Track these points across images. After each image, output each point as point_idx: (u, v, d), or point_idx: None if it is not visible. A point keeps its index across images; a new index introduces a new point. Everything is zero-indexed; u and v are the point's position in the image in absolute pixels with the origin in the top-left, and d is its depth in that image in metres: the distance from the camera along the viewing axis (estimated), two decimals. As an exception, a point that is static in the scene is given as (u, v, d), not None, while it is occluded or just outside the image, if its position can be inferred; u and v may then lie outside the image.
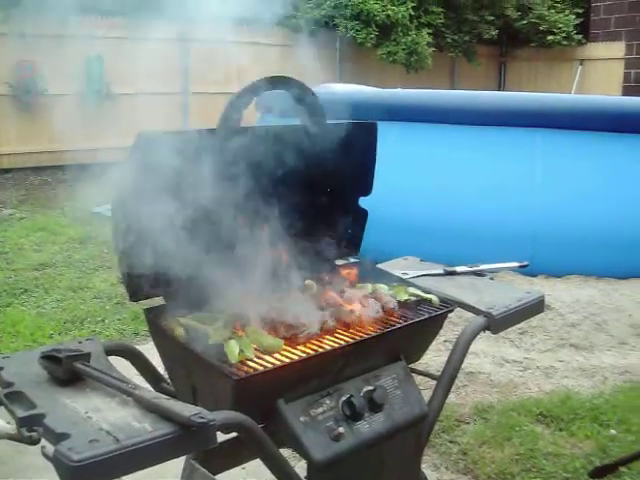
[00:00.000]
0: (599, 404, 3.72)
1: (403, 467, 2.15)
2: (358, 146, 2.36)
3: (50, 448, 1.37)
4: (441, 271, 2.68)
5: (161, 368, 2.14)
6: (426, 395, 2.20)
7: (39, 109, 10.62)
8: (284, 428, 1.81)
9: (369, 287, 2.31)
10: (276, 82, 2.12)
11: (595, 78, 16.36)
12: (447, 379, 2.24)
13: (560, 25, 16.68)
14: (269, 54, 10.94)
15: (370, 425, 1.93)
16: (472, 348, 2.33)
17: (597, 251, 5.89)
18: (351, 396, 1.92)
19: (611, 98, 8.42)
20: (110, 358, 1.87)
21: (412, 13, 14.43)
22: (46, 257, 6.45)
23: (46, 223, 7.75)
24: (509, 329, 2.90)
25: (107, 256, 6.53)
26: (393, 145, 6.00)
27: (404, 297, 2.24)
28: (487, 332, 2.34)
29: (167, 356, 2.02)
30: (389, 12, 13.91)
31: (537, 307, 2.53)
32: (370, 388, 1.98)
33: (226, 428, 1.61)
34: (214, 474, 1.82)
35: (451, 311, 2.26)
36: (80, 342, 1.92)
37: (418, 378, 2.37)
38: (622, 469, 3.00)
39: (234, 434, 1.73)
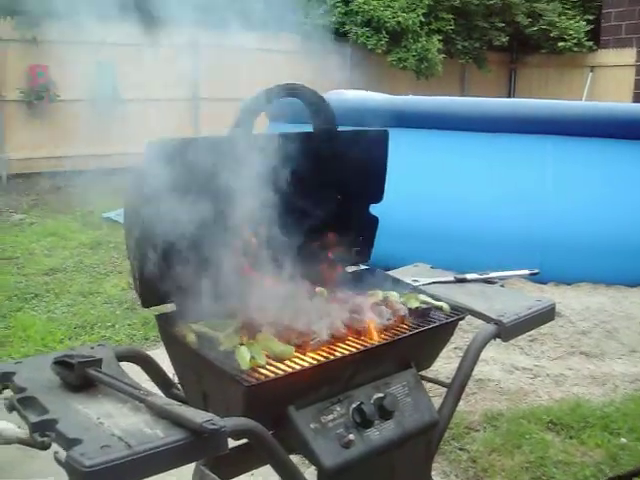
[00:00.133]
0: (610, 412, 3.70)
1: (413, 474, 2.15)
2: (369, 153, 2.36)
3: (62, 453, 1.37)
4: (452, 278, 2.68)
5: (171, 373, 2.15)
6: (436, 402, 2.20)
7: (50, 115, 10.68)
8: (294, 435, 1.81)
9: (380, 294, 2.31)
10: (287, 89, 2.13)
11: (606, 85, 16.33)
12: (457, 386, 2.24)
13: (571, 32, 16.66)
14: (280, 60, 10.96)
15: (380, 432, 1.93)
16: (482, 355, 2.32)
17: (607, 258, 5.87)
18: (361, 403, 1.92)
19: (622, 105, 8.41)
20: (121, 363, 1.88)
21: (422, 20, 14.46)
22: (57, 262, 6.47)
23: (57, 228, 7.78)
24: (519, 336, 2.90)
25: (117, 261, 6.55)
26: (404, 152, 6.00)
27: (415, 304, 2.23)
28: (497, 340, 2.34)
29: (178, 362, 2.03)
30: (400, 19, 13.93)
31: (548, 315, 2.52)
32: (380, 395, 1.98)
33: (237, 434, 1.61)
34: (224, 480, 1.83)
35: (462, 319, 2.25)
36: (92, 348, 1.93)
37: (428, 385, 2.37)
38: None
39: (244, 440, 1.73)
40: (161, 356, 2.17)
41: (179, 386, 2.13)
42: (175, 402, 1.56)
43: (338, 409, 1.89)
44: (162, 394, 2.07)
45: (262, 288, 2.04)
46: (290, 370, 1.81)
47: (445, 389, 2.28)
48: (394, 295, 2.30)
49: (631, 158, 6.16)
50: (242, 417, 1.62)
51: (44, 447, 1.48)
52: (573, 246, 5.87)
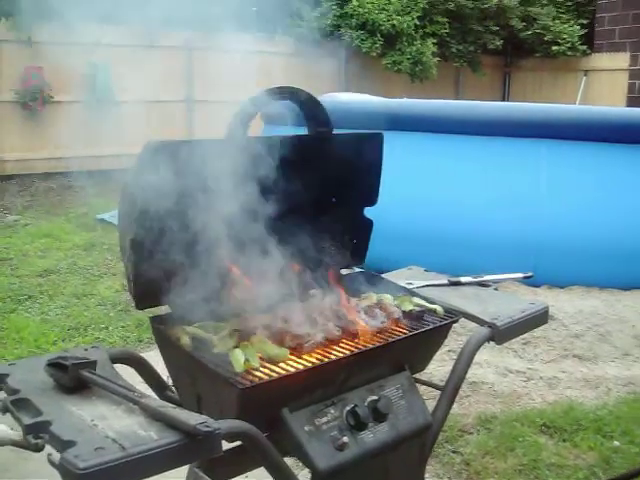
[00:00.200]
0: (603, 415, 3.71)
1: (407, 477, 2.16)
2: (364, 156, 2.37)
3: (56, 455, 1.37)
4: (445, 281, 2.68)
5: (165, 376, 2.15)
6: (430, 405, 2.20)
7: (45, 116, 10.66)
8: (288, 437, 1.81)
9: (374, 297, 2.31)
10: (282, 92, 2.13)
11: (599, 89, 16.37)
12: (451, 389, 2.25)
13: (565, 36, 16.70)
14: (274, 63, 10.97)
15: (374, 435, 1.93)
16: (475, 358, 2.33)
17: (600, 262, 5.89)
18: (355, 406, 1.92)
19: (616, 109, 8.43)
20: (115, 366, 1.87)
21: (417, 23, 14.47)
22: (50, 263, 6.46)
23: (51, 229, 7.77)
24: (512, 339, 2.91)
25: (111, 263, 6.55)
26: (399, 155, 6.01)
27: (409, 307, 2.24)
28: (491, 343, 2.34)
29: (172, 364, 2.03)
30: (394, 22, 13.95)
31: (541, 318, 2.53)
32: (374, 398, 1.98)
33: (231, 437, 1.61)
34: (218, 483, 1.83)
35: (455, 321, 2.26)
36: (86, 350, 1.92)
37: (422, 388, 2.37)
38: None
39: (237, 442, 1.73)
40: (155, 358, 2.17)
41: (173, 388, 2.13)
42: (169, 404, 1.56)
43: (332, 412, 1.89)
44: (156, 396, 2.07)
45: (256, 291, 2.04)
46: (284, 373, 1.81)
47: (439, 392, 2.28)
48: (388, 298, 2.30)
49: (625, 162, 6.18)
50: (236, 419, 1.62)
51: (38, 449, 1.48)
52: (567, 249, 5.89)
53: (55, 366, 1.68)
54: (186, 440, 1.42)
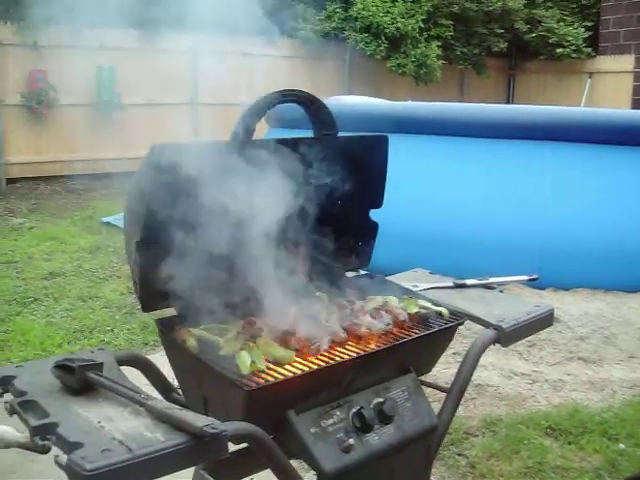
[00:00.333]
0: (608, 418, 3.71)
1: (412, 479, 2.16)
2: (369, 159, 2.37)
3: (63, 457, 1.38)
4: (451, 284, 2.68)
5: (171, 378, 2.15)
6: (435, 407, 2.20)
7: (50, 119, 10.69)
8: (294, 439, 1.81)
9: (379, 299, 2.31)
10: (287, 95, 2.13)
11: (604, 91, 16.37)
12: (457, 391, 2.25)
13: (569, 38, 16.70)
14: (279, 66, 10.99)
15: (380, 437, 1.93)
16: (481, 361, 2.33)
17: (605, 264, 5.87)
18: (361, 408, 1.92)
19: (620, 111, 8.42)
20: (121, 368, 1.88)
21: (422, 26, 14.48)
22: (56, 266, 6.48)
23: (56, 232, 7.78)
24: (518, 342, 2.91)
25: (116, 266, 6.56)
26: (404, 158, 6.02)
27: (414, 309, 2.24)
28: (496, 345, 2.34)
29: (178, 366, 2.03)
30: (399, 25, 13.96)
31: (547, 320, 2.53)
32: (380, 400, 1.98)
33: (237, 439, 1.62)
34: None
35: (461, 324, 2.26)
36: (92, 352, 1.93)
37: (427, 390, 2.37)
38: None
39: (243, 444, 1.73)
40: (161, 360, 2.17)
41: (179, 390, 2.13)
42: (175, 406, 1.56)
43: (338, 414, 1.89)
44: (162, 398, 2.07)
45: (262, 293, 2.05)
46: (290, 375, 1.82)
47: (444, 394, 2.28)
48: (393, 300, 2.30)
49: (629, 164, 6.18)
50: (242, 421, 1.63)
51: (44, 451, 1.49)
52: (571, 252, 5.88)
53: (62, 368, 1.68)
54: (193, 442, 1.42)
